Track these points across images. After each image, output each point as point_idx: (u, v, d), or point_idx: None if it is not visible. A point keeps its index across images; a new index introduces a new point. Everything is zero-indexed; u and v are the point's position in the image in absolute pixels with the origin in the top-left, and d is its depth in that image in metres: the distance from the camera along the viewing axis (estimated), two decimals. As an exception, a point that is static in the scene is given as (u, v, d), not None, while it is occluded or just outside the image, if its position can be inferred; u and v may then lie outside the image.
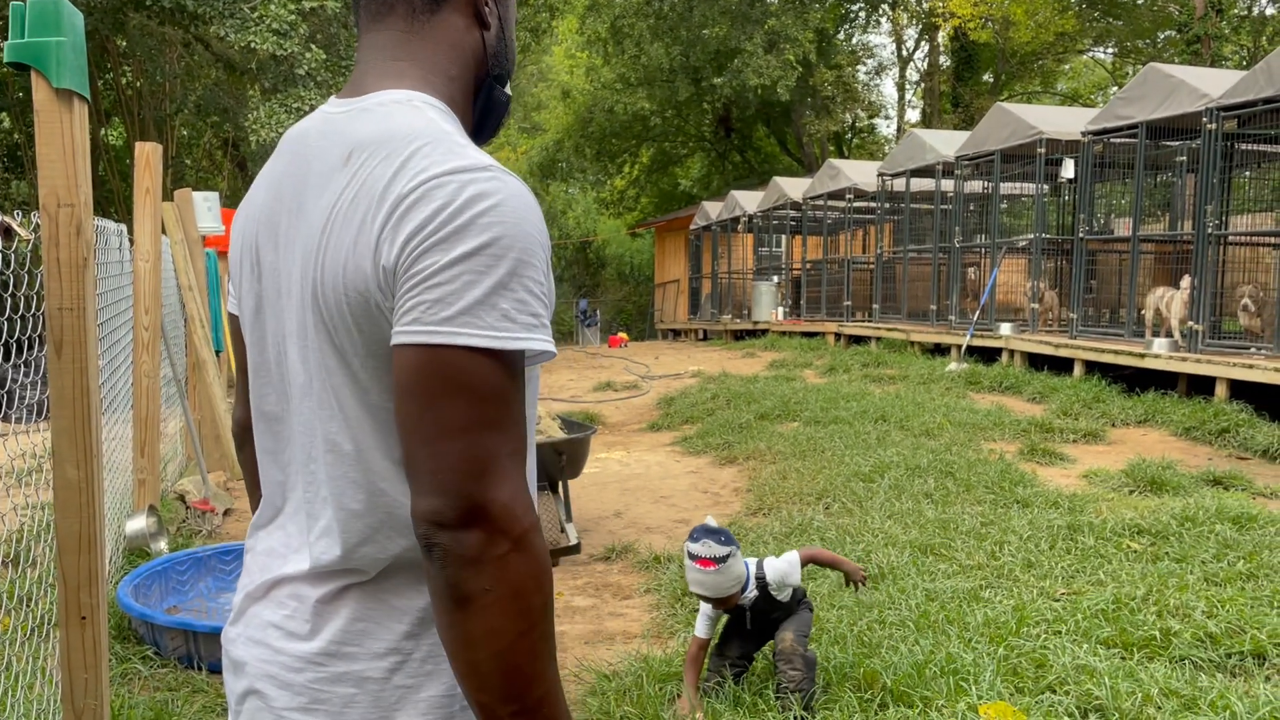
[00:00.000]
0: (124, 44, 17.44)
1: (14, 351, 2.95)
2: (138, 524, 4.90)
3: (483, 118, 1.27)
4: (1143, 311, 10.13)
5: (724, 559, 3.10)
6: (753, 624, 3.29)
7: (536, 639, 0.98)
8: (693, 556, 3.12)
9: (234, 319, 1.30)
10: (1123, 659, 3.46)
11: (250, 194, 1.23)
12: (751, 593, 3.23)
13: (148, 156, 5.03)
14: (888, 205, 15.56)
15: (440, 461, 0.96)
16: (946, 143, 13.73)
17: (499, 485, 0.97)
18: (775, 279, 19.59)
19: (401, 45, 1.17)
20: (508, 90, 1.29)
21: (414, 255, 0.98)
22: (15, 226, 2.77)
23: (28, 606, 3.23)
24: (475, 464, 0.96)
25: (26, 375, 3.22)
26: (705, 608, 3.26)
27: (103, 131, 19.84)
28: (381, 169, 1.03)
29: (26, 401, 3.58)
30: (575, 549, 5.27)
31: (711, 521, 3.19)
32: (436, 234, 0.97)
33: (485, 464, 0.96)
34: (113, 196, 19.08)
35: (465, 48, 1.20)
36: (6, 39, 2.30)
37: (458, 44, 1.19)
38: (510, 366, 0.99)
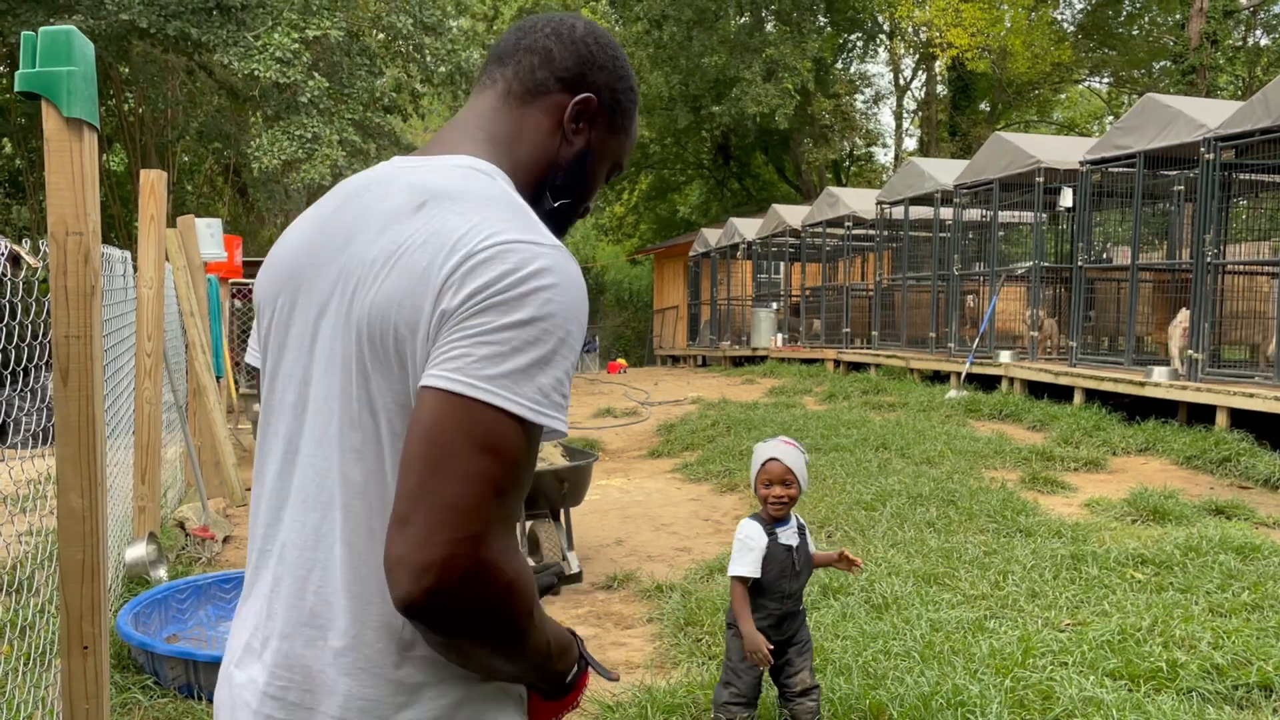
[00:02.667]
0: (126, 71, 17.55)
1: (20, 379, 2.94)
2: (138, 551, 4.87)
3: None
4: (1164, 341, 10.07)
5: (803, 452, 3.19)
6: (799, 567, 3.17)
7: (530, 629, 1.07)
8: (771, 447, 3.17)
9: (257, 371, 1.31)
10: (1130, 691, 3.44)
11: (295, 230, 1.24)
12: (794, 533, 3.19)
13: (153, 184, 5.04)
14: (886, 233, 15.62)
15: (439, 510, 0.96)
16: (945, 171, 13.79)
17: (487, 546, 0.98)
18: (774, 305, 19.63)
19: (489, 117, 1.25)
20: (556, 204, 1.29)
21: (473, 309, 1.01)
22: (24, 255, 2.78)
23: (30, 635, 3.20)
24: (471, 520, 0.97)
25: (32, 403, 3.21)
26: (753, 543, 3.09)
27: (104, 157, 19.92)
28: (456, 221, 1.06)
29: (32, 429, 3.58)
30: (577, 578, 5.25)
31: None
32: (499, 294, 1.01)
33: (480, 522, 0.97)
34: (113, 222, 19.12)
35: (540, 145, 1.25)
36: (16, 68, 2.31)
37: (536, 140, 1.25)
38: (532, 438, 1.02)
